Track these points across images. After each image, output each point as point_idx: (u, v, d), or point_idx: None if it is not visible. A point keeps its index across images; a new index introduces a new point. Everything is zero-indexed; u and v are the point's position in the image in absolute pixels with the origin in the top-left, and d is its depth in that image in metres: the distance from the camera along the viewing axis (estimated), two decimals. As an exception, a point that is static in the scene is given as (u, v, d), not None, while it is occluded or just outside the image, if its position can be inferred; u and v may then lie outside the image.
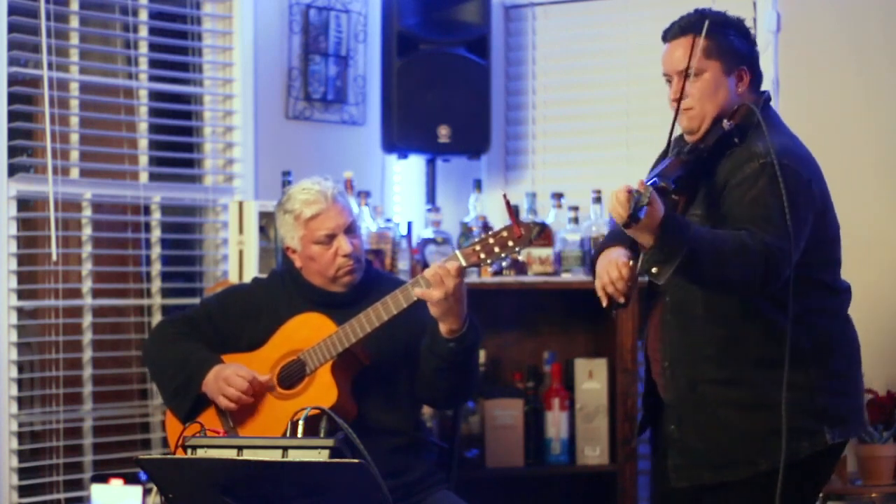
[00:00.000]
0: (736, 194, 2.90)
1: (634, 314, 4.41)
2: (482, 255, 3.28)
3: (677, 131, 3.05)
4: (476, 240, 3.33)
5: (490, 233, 3.31)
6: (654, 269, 2.78)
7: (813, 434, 2.94)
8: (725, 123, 2.95)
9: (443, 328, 3.33)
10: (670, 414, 3.06)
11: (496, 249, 3.27)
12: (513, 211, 3.24)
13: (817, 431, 2.94)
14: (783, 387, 2.86)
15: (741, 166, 2.92)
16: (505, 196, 3.24)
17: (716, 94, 3.00)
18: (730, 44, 3.02)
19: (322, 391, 3.36)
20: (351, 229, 3.50)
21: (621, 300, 2.95)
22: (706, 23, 2.96)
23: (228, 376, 3.40)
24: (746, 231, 2.82)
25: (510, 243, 3.26)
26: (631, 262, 2.95)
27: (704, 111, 3.00)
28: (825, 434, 2.95)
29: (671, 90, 3.05)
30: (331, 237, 3.47)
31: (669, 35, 3.06)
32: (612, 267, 2.95)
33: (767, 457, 2.93)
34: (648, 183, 2.72)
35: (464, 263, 3.28)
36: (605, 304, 2.97)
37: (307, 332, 3.43)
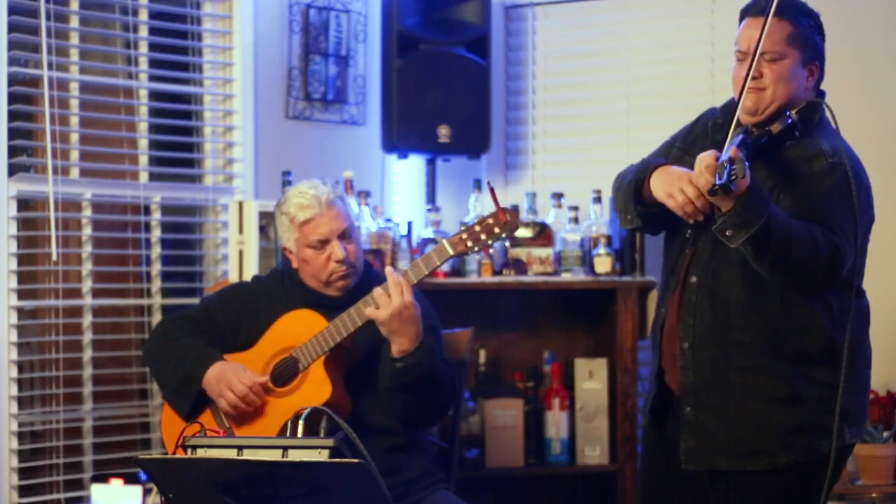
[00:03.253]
0: (802, 188, 2.90)
1: (634, 314, 4.41)
2: (469, 243, 3.30)
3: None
4: (462, 228, 3.34)
5: (476, 220, 3.32)
6: (728, 232, 2.78)
7: (833, 433, 2.92)
8: (793, 114, 2.92)
9: (393, 347, 3.33)
10: (687, 396, 3.02)
11: (483, 236, 3.29)
12: (497, 198, 3.26)
13: (838, 430, 2.92)
14: (839, 383, 2.88)
15: (808, 161, 2.91)
16: (489, 183, 3.29)
17: (790, 81, 2.97)
18: (811, 36, 3.01)
19: (316, 387, 3.37)
20: (346, 235, 3.49)
21: (700, 218, 2.92)
22: (795, 8, 2.97)
23: (230, 380, 3.40)
24: (817, 226, 2.84)
25: (496, 230, 3.28)
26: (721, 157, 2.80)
27: (776, 95, 2.96)
28: (845, 433, 2.94)
29: (741, 67, 2.97)
30: (324, 242, 3.47)
31: (752, 12, 3.00)
32: (687, 185, 2.88)
33: (789, 451, 2.93)
34: (739, 153, 2.71)
35: (451, 252, 3.32)
36: (690, 220, 2.93)
37: (299, 328, 3.44)
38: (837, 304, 2.93)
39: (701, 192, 2.83)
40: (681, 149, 3.15)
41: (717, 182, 2.68)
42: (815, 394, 2.90)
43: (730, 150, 2.73)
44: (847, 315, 2.94)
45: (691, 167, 2.88)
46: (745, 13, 3.02)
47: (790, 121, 2.91)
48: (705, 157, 2.76)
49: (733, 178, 2.67)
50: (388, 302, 3.28)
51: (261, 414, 3.44)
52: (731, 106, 3.05)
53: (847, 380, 2.92)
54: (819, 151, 2.91)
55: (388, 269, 3.36)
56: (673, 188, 2.91)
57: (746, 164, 2.69)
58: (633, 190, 3.04)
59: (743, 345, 2.96)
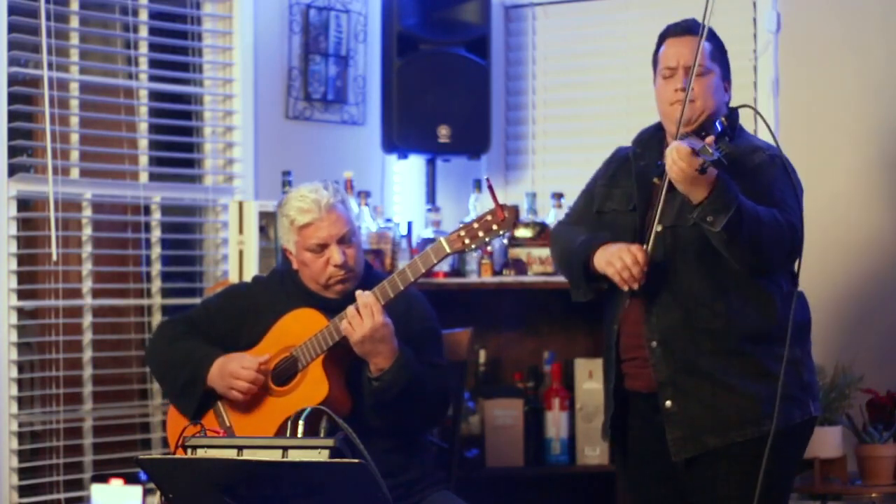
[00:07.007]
0: (750, 180, 3.11)
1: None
2: (466, 241, 3.29)
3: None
4: (460, 226, 3.33)
5: (474, 218, 3.32)
6: (709, 218, 2.99)
7: (803, 404, 3.20)
8: (723, 120, 3.15)
9: (370, 367, 3.34)
10: (664, 391, 3.18)
11: (480, 234, 3.28)
12: (495, 194, 3.26)
13: (805, 402, 3.20)
14: (783, 360, 3.09)
15: (749, 156, 3.16)
16: (487, 179, 3.32)
17: (716, 93, 3.26)
18: (724, 56, 3.31)
19: (314, 386, 3.37)
20: (345, 239, 3.47)
21: (635, 286, 3.13)
22: (710, 30, 3.24)
23: (234, 370, 3.41)
24: (775, 209, 3.06)
25: (494, 227, 3.27)
26: (645, 247, 3.14)
27: (706, 105, 3.23)
28: (810, 405, 3.22)
29: (668, 83, 3.28)
30: (322, 247, 3.46)
31: (676, 32, 3.31)
32: (625, 253, 3.13)
33: (771, 420, 3.09)
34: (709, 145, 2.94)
35: (448, 250, 3.30)
36: (626, 288, 3.15)
37: (299, 327, 3.44)
38: (786, 286, 3.17)
39: (636, 259, 3.09)
40: (605, 185, 3.40)
41: (709, 159, 2.90)
42: (780, 369, 3.10)
43: (706, 138, 2.98)
44: (791, 297, 3.16)
45: (621, 198, 3.28)
46: (666, 34, 3.32)
47: (721, 127, 3.12)
48: (678, 147, 2.97)
49: (707, 165, 2.91)
50: (360, 323, 3.28)
51: (261, 413, 3.44)
52: (646, 135, 3.43)
53: (804, 356, 3.22)
54: (755, 147, 3.21)
55: (359, 292, 3.33)
56: (612, 258, 3.14)
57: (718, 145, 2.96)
58: (582, 268, 3.25)
59: (710, 332, 3.15)
